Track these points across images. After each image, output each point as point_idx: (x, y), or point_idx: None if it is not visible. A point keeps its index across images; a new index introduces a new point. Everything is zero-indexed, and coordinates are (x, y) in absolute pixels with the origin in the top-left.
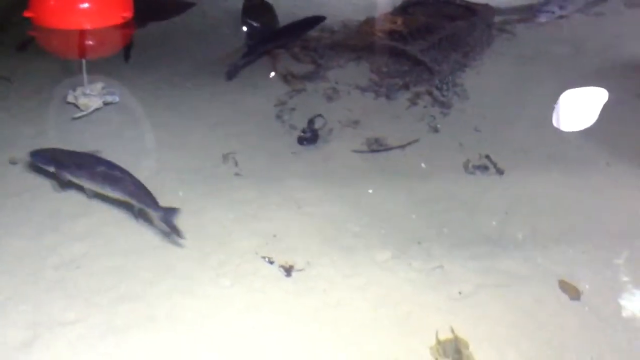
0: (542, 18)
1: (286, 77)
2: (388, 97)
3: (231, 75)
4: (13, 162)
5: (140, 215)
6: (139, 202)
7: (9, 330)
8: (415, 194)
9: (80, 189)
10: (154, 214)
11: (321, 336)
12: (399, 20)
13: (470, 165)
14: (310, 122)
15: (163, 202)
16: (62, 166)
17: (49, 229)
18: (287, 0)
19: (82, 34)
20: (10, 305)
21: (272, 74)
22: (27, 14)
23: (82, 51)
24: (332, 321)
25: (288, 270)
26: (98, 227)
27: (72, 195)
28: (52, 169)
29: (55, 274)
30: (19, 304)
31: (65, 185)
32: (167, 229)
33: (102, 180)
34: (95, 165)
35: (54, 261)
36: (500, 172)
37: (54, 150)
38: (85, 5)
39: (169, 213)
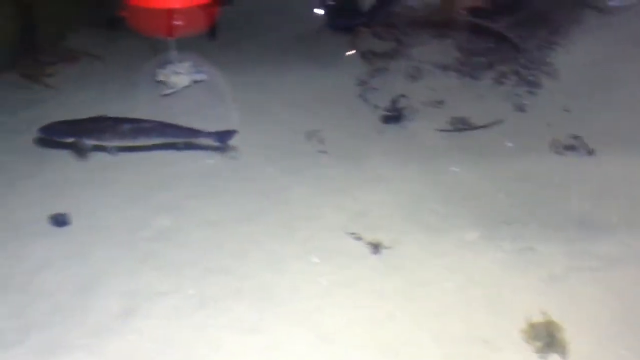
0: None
1: (367, 55)
2: (472, 76)
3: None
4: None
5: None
6: (182, 137)
7: (109, 300)
8: (501, 174)
9: (101, 149)
10: (206, 141)
11: (407, 315)
12: None
13: (558, 145)
14: (394, 101)
15: (251, 177)
16: (83, 135)
17: (137, 201)
18: None
19: (171, 12)
20: (109, 276)
21: (350, 52)
22: None
23: (171, 30)
24: (418, 300)
25: (375, 248)
26: (183, 200)
27: (155, 168)
28: (71, 140)
29: (147, 245)
30: (116, 275)
31: (87, 152)
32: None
33: (133, 134)
34: (118, 124)
35: (145, 233)
36: (591, 152)
37: (61, 123)
38: None
39: (223, 135)
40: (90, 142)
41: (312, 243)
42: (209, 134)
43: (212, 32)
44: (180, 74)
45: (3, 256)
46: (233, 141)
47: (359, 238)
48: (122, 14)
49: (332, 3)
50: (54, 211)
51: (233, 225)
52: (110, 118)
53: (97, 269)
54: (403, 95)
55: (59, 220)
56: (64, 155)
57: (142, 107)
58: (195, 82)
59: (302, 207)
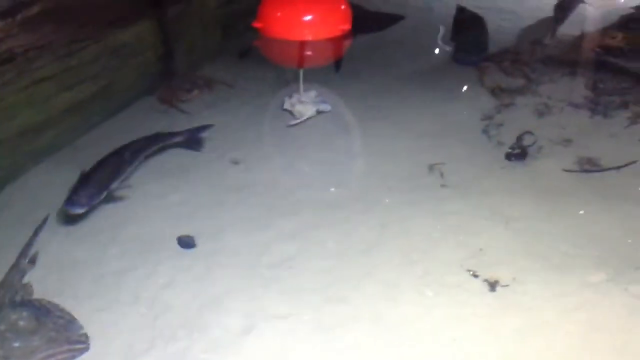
0: None
1: (494, 91)
2: (605, 114)
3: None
4: (235, 162)
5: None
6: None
7: (230, 318)
8: (632, 219)
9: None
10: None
11: (525, 357)
12: (619, 36)
13: None
14: (519, 138)
15: (371, 208)
16: (106, 185)
17: (263, 226)
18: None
19: (303, 44)
20: (231, 296)
21: (465, 87)
22: (255, 24)
23: (301, 60)
24: (537, 342)
25: (493, 285)
26: (307, 228)
27: (284, 194)
28: (103, 196)
29: (268, 271)
30: (238, 296)
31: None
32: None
33: (132, 157)
34: (119, 156)
35: (268, 259)
36: None
37: (78, 189)
38: (310, 17)
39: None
40: (115, 184)
41: (428, 276)
42: (181, 133)
43: (338, 63)
44: (306, 103)
45: (134, 273)
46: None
47: (476, 275)
48: (255, 44)
49: (457, 37)
50: (181, 233)
51: (352, 254)
52: (108, 156)
53: (220, 289)
54: (529, 132)
55: (186, 242)
56: (192, 177)
57: (269, 134)
58: (320, 112)
59: (421, 239)
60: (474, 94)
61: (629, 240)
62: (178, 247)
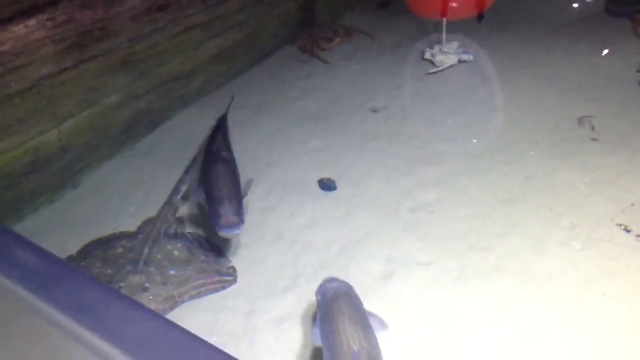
0: None
1: None
2: None
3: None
4: (374, 110)
5: None
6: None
7: (370, 263)
8: None
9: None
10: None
11: None
12: None
13: None
14: None
15: (515, 160)
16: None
17: (403, 173)
18: None
19: None
20: (371, 240)
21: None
22: None
23: (444, 11)
24: None
25: None
26: (449, 176)
27: (425, 143)
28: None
29: (410, 216)
30: (378, 240)
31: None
32: None
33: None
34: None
35: (409, 205)
36: None
37: (221, 198)
38: None
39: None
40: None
41: (576, 229)
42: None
43: (480, 15)
44: (447, 53)
45: (276, 212)
46: None
47: (628, 230)
48: None
49: None
50: (322, 175)
51: (496, 204)
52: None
53: (360, 232)
54: None
55: (326, 185)
56: (332, 123)
57: (408, 83)
58: (461, 61)
59: (568, 193)
60: (627, 45)
61: None
62: (319, 189)
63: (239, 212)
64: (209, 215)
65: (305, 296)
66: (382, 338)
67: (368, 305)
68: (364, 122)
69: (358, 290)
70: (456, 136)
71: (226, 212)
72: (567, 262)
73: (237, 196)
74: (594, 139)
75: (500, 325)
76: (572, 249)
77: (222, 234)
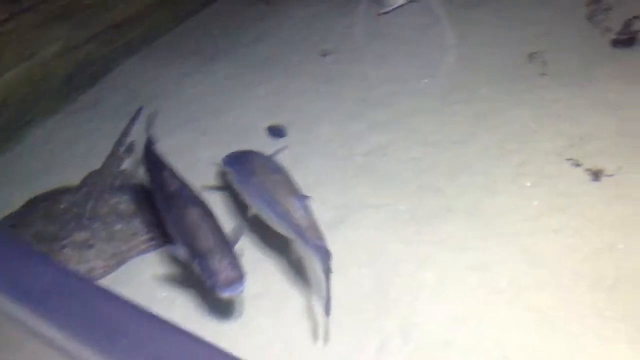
0: None
1: None
2: None
3: None
4: (324, 54)
5: None
6: None
7: (321, 209)
8: None
9: None
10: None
11: (631, 248)
12: None
13: None
14: (627, 23)
15: (466, 98)
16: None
17: (354, 116)
18: None
19: None
20: (322, 186)
21: None
22: None
23: None
24: None
25: (596, 175)
26: (401, 118)
27: (376, 86)
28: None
29: (362, 159)
30: (329, 186)
31: None
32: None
33: None
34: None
35: (361, 148)
36: None
37: (213, 254)
38: None
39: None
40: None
41: (527, 167)
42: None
43: None
44: None
45: None
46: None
47: (578, 164)
48: None
49: None
50: (272, 122)
51: (447, 145)
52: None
53: (310, 179)
54: (638, 17)
55: (276, 131)
56: (282, 69)
57: (359, 24)
58: (412, 1)
59: (518, 129)
60: None
61: None
62: (269, 136)
63: (236, 264)
64: (199, 274)
65: (252, 241)
66: None
67: None
68: (315, 66)
69: None
70: (408, 77)
71: (222, 268)
72: (517, 199)
73: (227, 244)
74: (543, 74)
75: (452, 264)
76: (523, 186)
77: (224, 295)
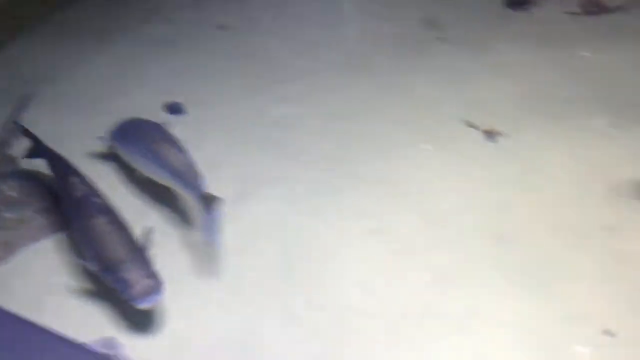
0: None
1: None
2: None
3: None
4: (222, 28)
5: None
6: None
7: (224, 185)
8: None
9: None
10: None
11: (523, 204)
12: None
13: None
14: None
15: (365, 66)
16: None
17: (255, 92)
18: None
19: None
20: (223, 162)
21: None
22: None
23: None
24: (536, 189)
25: (491, 135)
26: (301, 92)
27: (281, 61)
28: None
29: (264, 132)
30: (231, 161)
31: None
32: None
33: None
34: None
35: (262, 122)
36: None
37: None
38: None
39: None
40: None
41: (425, 131)
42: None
43: None
44: None
45: None
46: None
47: (474, 126)
48: None
49: None
50: (170, 99)
51: (349, 115)
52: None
53: (212, 155)
54: None
55: (174, 108)
56: (179, 46)
57: None
58: None
59: (417, 95)
60: None
61: (634, 81)
62: (168, 114)
63: (152, 270)
64: (113, 287)
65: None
66: None
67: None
68: (211, 41)
69: None
70: (306, 52)
71: (137, 277)
72: (417, 162)
73: (140, 251)
74: (439, 39)
75: (354, 230)
76: (423, 150)
77: (142, 306)
